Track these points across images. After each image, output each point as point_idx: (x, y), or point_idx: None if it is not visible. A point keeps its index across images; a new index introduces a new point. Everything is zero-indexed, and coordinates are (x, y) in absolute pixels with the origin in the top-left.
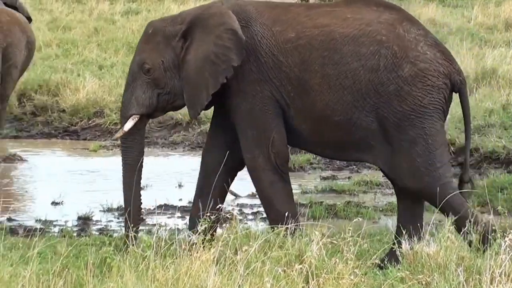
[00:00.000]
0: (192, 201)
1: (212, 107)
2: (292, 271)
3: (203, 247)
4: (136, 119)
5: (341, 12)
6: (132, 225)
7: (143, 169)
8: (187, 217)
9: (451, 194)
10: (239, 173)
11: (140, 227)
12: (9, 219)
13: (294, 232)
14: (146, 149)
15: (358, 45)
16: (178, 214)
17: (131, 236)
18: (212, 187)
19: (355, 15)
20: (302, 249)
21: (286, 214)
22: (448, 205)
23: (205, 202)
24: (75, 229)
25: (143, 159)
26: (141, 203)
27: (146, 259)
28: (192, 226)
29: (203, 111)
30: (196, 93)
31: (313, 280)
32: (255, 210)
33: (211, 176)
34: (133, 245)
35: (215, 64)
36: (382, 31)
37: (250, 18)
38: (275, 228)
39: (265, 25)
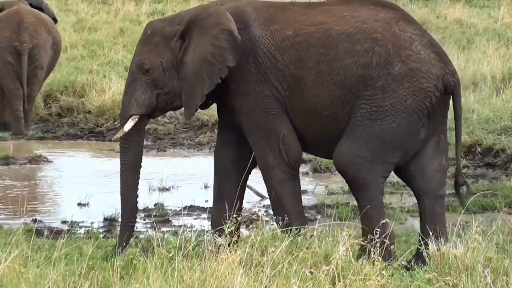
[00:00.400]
0: None
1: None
2: (319, 272)
3: (230, 248)
4: (136, 119)
5: (339, 10)
6: (124, 225)
7: (166, 171)
8: None
9: (374, 207)
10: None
11: (167, 228)
12: (35, 221)
13: (299, 232)
14: (172, 150)
15: (353, 42)
16: (204, 215)
17: (156, 237)
18: (229, 187)
19: (352, 13)
20: (329, 250)
21: (293, 214)
22: (368, 213)
23: (224, 202)
24: (101, 230)
25: (141, 159)
26: (137, 203)
27: (172, 261)
28: (214, 228)
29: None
30: (193, 94)
31: (339, 281)
32: None
33: (225, 175)
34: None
35: (212, 65)
36: (378, 29)
37: (249, 18)
38: (284, 228)
39: (263, 24)
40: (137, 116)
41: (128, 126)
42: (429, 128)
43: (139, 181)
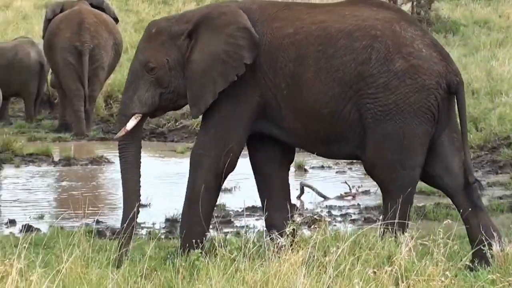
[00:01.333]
0: None
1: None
2: (382, 273)
3: (292, 249)
4: (139, 118)
5: (341, 10)
6: (125, 224)
7: (228, 173)
8: None
9: (406, 209)
10: (327, 175)
11: (229, 229)
12: (97, 222)
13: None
14: None
15: (352, 39)
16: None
17: (218, 238)
18: (272, 186)
19: (353, 12)
20: (392, 251)
21: (200, 221)
22: (394, 211)
23: (273, 202)
24: (162, 231)
25: (141, 157)
26: (140, 201)
27: (234, 262)
28: (270, 229)
29: None
30: (201, 92)
31: (403, 282)
32: (343, 212)
33: (265, 175)
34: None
35: (225, 63)
36: (378, 27)
37: (254, 16)
38: (183, 229)
39: (266, 22)
40: (140, 115)
41: (131, 124)
42: (437, 128)
43: (140, 178)
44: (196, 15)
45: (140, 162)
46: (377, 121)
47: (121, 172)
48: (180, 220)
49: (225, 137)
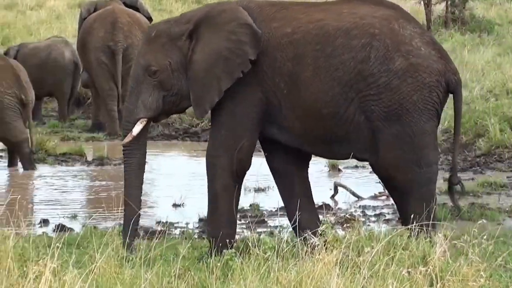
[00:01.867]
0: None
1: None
2: (416, 273)
3: (326, 249)
4: (144, 122)
5: (338, 8)
6: (128, 227)
7: (261, 171)
8: None
9: (430, 207)
10: (359, 175)
11: (262, 229)
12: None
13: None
14: None
15: (350, 37)
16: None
17: (252, 238)
18: (293, 187)
19: (351, 10)
20: (426, 251)
21: (226, 220)
22: (419, 212)
23: (298, 203)
24: (196, 231)
25: (145, 162)
26: (140, 208)
27: (268, 261)
28: (303, 230)
29: None
30: (205, 92)
31: (437, 282)
32: (377, 211)
33: (285, 177)
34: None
35: (228, 60)
36: (376, 25)
37: (252, 16)
38: (211, 232)
39: (264, 21)
40: (145, 120)
41: (137, 129)
42: None
43: (142, 184)
44: (196, 15)
45: (144, 167)
46: (385, 122)
47: (124, 176)
48: (207, 223)
49: (235, 135)
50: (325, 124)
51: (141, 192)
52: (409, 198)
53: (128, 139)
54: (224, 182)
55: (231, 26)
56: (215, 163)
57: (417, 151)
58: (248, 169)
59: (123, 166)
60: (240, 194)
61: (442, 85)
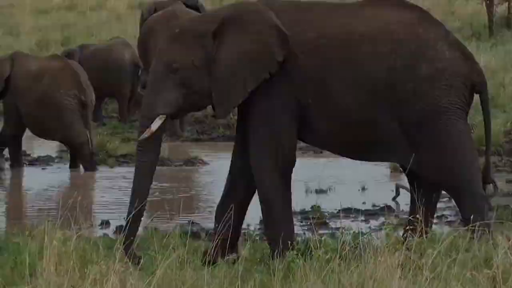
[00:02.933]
0: (374, 204)
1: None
2: (479, 275)
3: (388, 251)
4: (163, 119)
5: (362, 12)
6: (128, 227)
7: (323, 173)
8: (371, 221)
9: (480, 204)
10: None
11: (324, 231)
12: (192, 223)
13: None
14: (329, 152)
15: (376, 44)
16: (362, 218)
17: (314, 240)
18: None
19: (376, 14)
20: (489, 253)
21: (283, 221)
22: (472, 211)
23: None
24: (257, 232)
25: (157, 162)
26: (145, 209)
27: (330, 263)
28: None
29: None
30: (229, 92)
31: (501, 285)
32: (439, 213)
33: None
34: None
35: (255, 61)
36: (400, 30)
37: (278, 17)
38: (269, 235)
39: (287, 25)
40: (164, 116)
41: (156, 126)
42: None
43: (151, 184)
44: (222, 14)
45: (155, 167)
46: (420, 128)
47: (134, 174)
48: (264, 227)
49: (275, 134)
50: (354, 130)
51: (148, 192)
52: (459, 199)
53: (146, 134)
54: (275, 184)
55: (258, 27)
56: (262, 166)
57: (458, 150)
58: (294, 165)
59: (135, 165)
60: (291, 192)
61: (468, 87)
